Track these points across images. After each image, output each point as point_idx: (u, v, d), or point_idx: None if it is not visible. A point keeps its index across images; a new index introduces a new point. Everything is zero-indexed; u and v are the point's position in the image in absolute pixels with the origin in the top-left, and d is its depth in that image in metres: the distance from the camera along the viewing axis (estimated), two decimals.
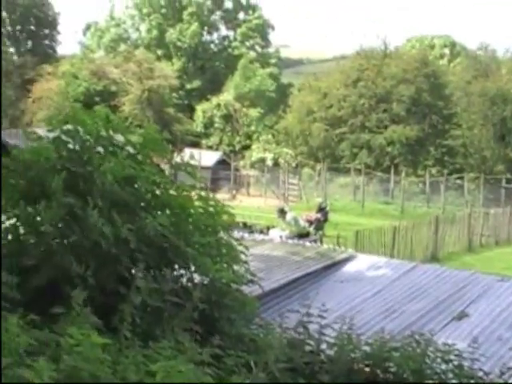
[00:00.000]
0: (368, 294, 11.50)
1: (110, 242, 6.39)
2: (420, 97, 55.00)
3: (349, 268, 13.16)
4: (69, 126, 7.41)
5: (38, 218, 6.80)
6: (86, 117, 7.45)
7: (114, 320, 5.76)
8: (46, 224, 6.65)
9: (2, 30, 70.09)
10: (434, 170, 51.50)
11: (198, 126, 62.10)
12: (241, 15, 75.39)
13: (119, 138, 7.51)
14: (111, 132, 7.42)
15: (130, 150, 7.43)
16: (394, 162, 52.73)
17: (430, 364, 7.24)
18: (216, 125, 61.70)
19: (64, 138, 7.32)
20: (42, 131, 7.90)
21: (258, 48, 73.54)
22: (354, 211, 44.62)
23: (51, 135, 7.47)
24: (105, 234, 6.35)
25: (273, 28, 75.64)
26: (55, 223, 6.62)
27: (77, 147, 7.24)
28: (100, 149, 7.35)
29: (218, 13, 75.56)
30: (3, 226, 7.11)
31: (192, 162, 7.79)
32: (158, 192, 7.23)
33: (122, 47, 71.66)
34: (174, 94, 63.73)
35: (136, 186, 7.10)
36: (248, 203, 44.25)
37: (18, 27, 71.80)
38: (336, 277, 12.59)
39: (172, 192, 7.23)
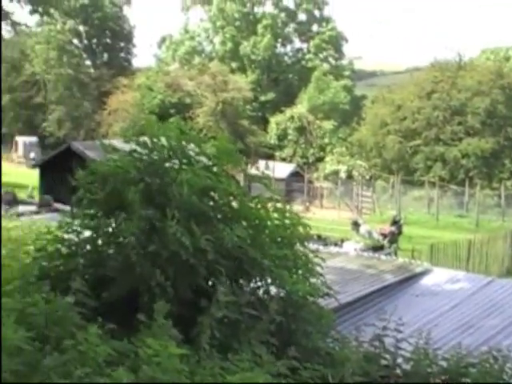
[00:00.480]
0: (445, 308, 11.36)
1: (189, 252, 6.42)
2: (495, 109, 53.99)
3: (425, 282, 13.03)
4: (145, 138, 7.50)
5: (116, 230, 6.90)
6: (162, 129, 7.53)
7: (193, 331, 5.78)
8: (124, 235, 6.74)
9: (79, 43, 71.59)
10: (509, 183, 50.45)
11: (271, 138, 62.18)
12: (314, 27, 75.34)
13: (193, 149, 7.56)
14: (186, 144, 7.48)
15: (205, 161, 7.47)
16: (468, 174, 51.84)
17: (508, 380, 7.08)
18: (290, 137, 61.66)
19: (140, 149, 7.42)
20: (117, 143, 8.02)
21: (331, 60, 73.35)
22: (428, 224, 43.99)
23: (127, 147, 7.59)
24: (184, 244, 6.39)
25: (346, 40, 75.38)
26: (134, 234, 6.70)
27: (154, 158, 7.32)
28: (176, 161, 7.41)
29: (292, 25, 75.66)
30: (82, 237, 7.25)
31: (267, 174, 7.80)
32: (234, 204, 7.23)
33: (197, 60, 72.35)
34: (248, 106, 63.95)
35: (213, 197, 7.13)
36: (321, 215, 44.05)
37: (95, 40, 73.19)
38: (412, 290, 12.49)
39: (249, 204, 7.24)
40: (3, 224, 10.92)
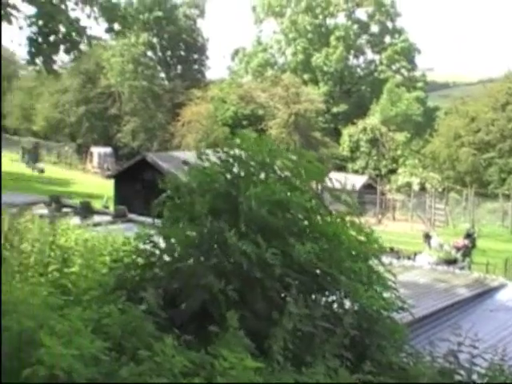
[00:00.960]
0: None
1: (253, 265, 6.42)
2: None
3: (500, 296, 12.81)
4: (236, 152, 7.55)
5: (189, 241, 6.96)
6: (245, 142, 7.57)
7: (266, 344, 5.78)
8: (194, 246, 6.80)
9: (154, 56, 72.59)
10: None
11: (344, 149, 61.98)
12: (387, 39, 74.90)
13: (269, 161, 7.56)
14: (271, 157, 7.50)
15: (286, 174, 7.47)
16: None
17: None
18: (362, 149, 61.35)
19: (225, 162, 7.48)
20: (191, 154, 8.11)
21: (403, 71, 72.74)
22: (502, 237, 43.21)
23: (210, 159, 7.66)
24: (247, 256, 6.40)
25: (418, 51, 74.71)
26: (201, 246, 6.76)
27: (236, 172, 7.37)
28: (262, 174, 7.43)
29: (364, 37, 75.39)
30: (159, 247, 7.33)
31: (338, 186, 7.75)
32: (311, 218, 7.21)
33: (269, 72, 72.66)
34: (321, 118, 63.89)
35: (288, 211, 7.12)
36: (394, 228, 43.69)
37: (169, 53, 74.13)
38: (486, 305, 12.29)
39: (327, 218, 7.22)
40: (80, 233, 11.12)
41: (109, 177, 38.35)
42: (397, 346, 7.32)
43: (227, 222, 6.72)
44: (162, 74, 74.60)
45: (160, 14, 69.22)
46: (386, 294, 7.36)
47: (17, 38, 9.74)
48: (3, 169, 49.46)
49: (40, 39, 9.39)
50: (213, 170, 7.43)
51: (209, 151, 7.90)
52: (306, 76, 70.64)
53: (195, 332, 5.89)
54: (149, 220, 9.41)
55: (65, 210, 18.61)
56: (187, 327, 6.04)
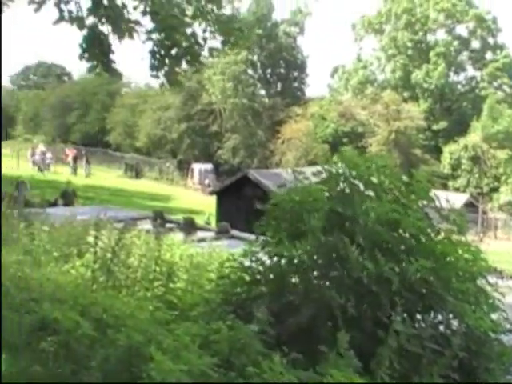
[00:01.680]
0: None
1: (372, 279, 6.37)
2: None
3: None
4: (339, 169, 7.53)
5: (298, 258, 6.95)
6: (352, 160, 7.54)
7: (372, 362, 5.71)
8: (305, 262, 6.79)
9: (254, 73, 73.14)
10: None
11: (444, 167, 60.93)
12: (488, 55, 73.36)
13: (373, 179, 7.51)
14: (378, 176, 7.45)
15: (395, 193, 7.41)
16: None
17: None
18: (463, 166, 60.16)
19: (330, 179, 7.47)
20: (290, 172, 8.11)
21: (505, 88, 71.08)
22: None
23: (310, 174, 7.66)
24: (368, 270, 6.35)
25: None
26: (315, 261, 6.74)
27: (343, 189, 7.35)
28: (367, 192, 7.39)
29: (465, 53, 74.08)
30: (266, 264, 7.35)
31: (453, 207, 7.61)
32: (422, 238, 7.11)
33: (369, 89, 72.27)
34: (421, 135, 63.08)
35: (398, 229, 7.05)
36: (495, 247, 42.61)
37: (269, 70, 74.61)
38: None
39: (433, 237, 7.11)
40: (185, 249, 11.28)
41: (211, 193, 38.77)
42: (504, 369, 7.12)
43: (342, 237, 6.70)
44: (262, 92, 75.07)
45: (260, 31, 69.80)
46: (493, 315, 7.18)
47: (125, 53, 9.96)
48: (109, 184, 50.91)
49: (162, 52, 9.58)
50: (316, 188, 7.43)
51: (309, 169, 7.92)
52: (405, 93, 69.92)
53: (301, 349, 5.87)
54: (251, 236, 9.45)
55: (168, 225, 18.91)
56: (293, 344, 6.02)
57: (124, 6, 9.12)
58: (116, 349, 5.88)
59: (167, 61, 9.59)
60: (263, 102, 72.02)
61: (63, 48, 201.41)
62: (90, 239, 9.90)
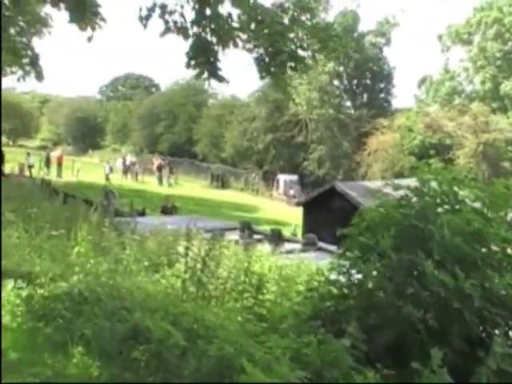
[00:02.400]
0: None
1: (451, 294, 6.24)
2: None
3: None
4: (415, 183, 7.45)
5: (380, 274, 6.89)
6: (432, 173, 7.45)
7: (468, 382, 5.60)
8: (386, 278, 6.72)
9: (340, 84, 72.88)
10: None
11: None
12: None
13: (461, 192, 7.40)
14: (458, 189, 7.33)
15: (477, 205, 7.27)
16: None
17: None
18: None
19: (410, 195, 7.39)
20: (378, 184, 8.06)
21: None
22: None
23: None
24: (445, 285, 6.23)
25: None
26: (391, 279, 6.67)
27: (423, 204, 7.25)
28: (447, 206, 7.28)
29: None
30: (353, 279, 7.30)
31: None
32: (506, 250, 6.95)
33: (457, 100, 71.12)
34: (510, 148, 61.63)
35: (484, 242, 6.90)
36: None
37: (355, 81, 74.13)
38: None
39: None
40: (273, 260, 11.30)
41: (297, 204, 38.72)
42: None
43: (416, 254, 6.61)
44: (348, 103, 74.67)
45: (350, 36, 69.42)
46: None
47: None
48: (195, 194, 51.47)
49: (267, 59, 9.66)
50: (395, 203, 7.37)
51: (395, 181, 7.85)
52: (494, 104, 68.47)
53: (391, 366, 5.80)
54: (338, 249, 9.39)
55: (256, 236, 18.97)
56: (383, 361, 5.95)
57: (229, 15, 9.24)
58: (207, 359, 5.94)
59: (272, 68, 9.68)
60: (349, 114, 71.65)
61: (151, 59, 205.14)
62: (180, 249, 10.04)
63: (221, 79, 9.71)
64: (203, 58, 9.39)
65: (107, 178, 54.02)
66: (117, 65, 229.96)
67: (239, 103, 76.21)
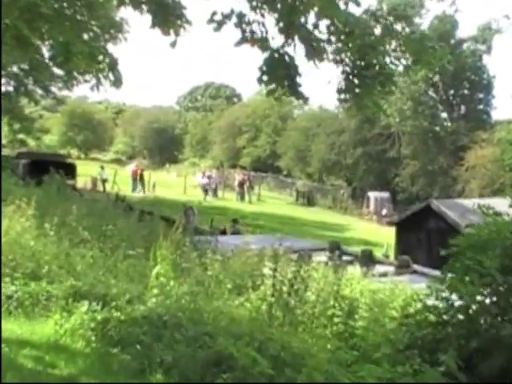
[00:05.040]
0: None
1: None
2: None
3: None
4: None
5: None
6: None
7: None
8: (491, 303, 6.64)
9: (435, 95, 72.00)
10: None
11: None
12: None
13: None
14: None
15: None
16: None
17: None
18: None
19: None
20: (475, 201, 7.95)
21: None
22: None
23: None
24: None
25: None
26: (497, 304, 6.59)
27: None
28: None
29: None
30: (453, 304, 7.22)
31: None
32: None
33: None
34: None
35: None
36: None
37: (451, 91, 73.14)
38: None
39: None
40: (365, 284, 11.24)
41: (389, 224, 38.38)
42: None
43: None
44: (444, 115, 73.74)
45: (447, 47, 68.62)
46: None
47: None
48: (279, 212, 51.59)
49: (354, 72, 9.63)
50: (499, 223, 7.27)
51: (497, 201, 7.76)
52: None
53: None
54: (435, 272, 9.29)
55: (345, 257, 18.90)
56: None
57: (316, 25, 9.20)
58: None
59: (357, 82, 9.62)
60: (445, 126, 70.70)
61: (232, 68, 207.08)
62: (266, 271, 10.08)
63: (301, 96, 9.68)
64: (281, 72, 9.36)
65: (206, 193, 55.18)
66: (196, 73, 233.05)
67: (327, 115, 76.05)
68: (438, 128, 68.86)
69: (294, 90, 9.46)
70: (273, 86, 9.55)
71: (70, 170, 34.76)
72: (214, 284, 10.90)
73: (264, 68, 9.30)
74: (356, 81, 9.64)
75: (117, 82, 16.61)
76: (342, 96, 9.87)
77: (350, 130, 70.62)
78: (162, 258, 11.30)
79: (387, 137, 69.80)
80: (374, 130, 69.82)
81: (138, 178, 56.10)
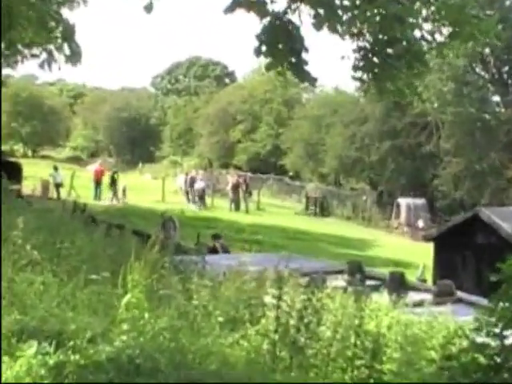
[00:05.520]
0: None
1: None
2: None
3: None
4: None
5: None
6: None
7: None
8: None
9: (485, 72, 71.95)
10: None
11: None
12: None
13: None
14: None
15: None
16: None
17: None
18: None
19: None
20: None
21: None
22: None
23: None
24: None
25: None
26: None
27: None
28: None
29: None
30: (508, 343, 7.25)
31: None
32: None
33: None
34: None
35: None
36: None
37: (505, 68, 72.90)
38: None
39: None
40: (394, 316, 11.28)
41: (425, 238, 38.42)
42: None
43: None
44: (496, 98, 73.56)
45: (496, 15, 68.60)
46: None
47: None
48: (285, 223, 51.63)
49: (375, 49, 9.63)
50: None
51: None
52: None
53: None
54: (484, 301, 9.33)
55: (369, 282, 18.93)
56: None
57: None
58: None
59: (377, 61, 9.63)
60: (497, 113, 70.54)
61: (223, 41, 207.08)
62: (268, 299, 10.10)
63: (307, 77, 9.68)
64: (283, 45, 9.36)
65: (190, 200, 55.20)
66: (177, 47, 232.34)
67: (345, 99, 75.99)
68: (487, 115, 68.66)
69: (299, 69, 9.46)
70: (272, 60, 9.56)
71: (13, 172, 34.76)
72: (202, 316, 10.91)
73: (263, 37, 9.30)
74: (376, 59, 9.64)
75: (74, 57, 16.48)
76: (359, 74, 9.89)
77: (374, 119, 70.42)
78: (133, 283, 11.29)
79: (422, 127, 69.64)
80: (406, 118, 69.59)
81: (101, 182, 56.08)
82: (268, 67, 9.89)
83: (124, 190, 56.74)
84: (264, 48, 9.41)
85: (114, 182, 55.89)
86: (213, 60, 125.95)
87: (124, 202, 53.44)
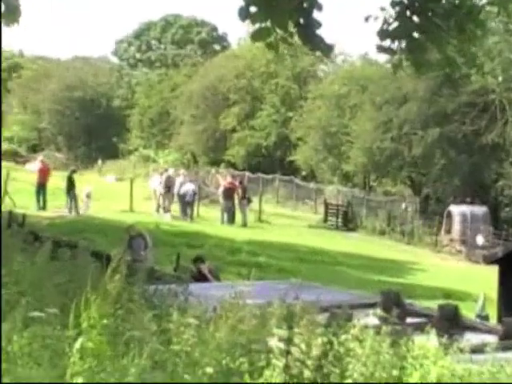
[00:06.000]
0: None
1: None
2: None
3: None
4: None
5: None
6: None
7: None
8: None
9: None
10: None
11: None
12: None
13: None
14: None
15: None
16: None
17: None
18: None
19: None
20: None
21: None
22: None
23: None
24: None
25: None
26: None
27: None
28: None
29: None
30: None
31: None
32: None
33: None
34: None
35: None
36: None
37: None
38: None
39: None
40: (446, 365, 11.30)
41: (486, 260, 38.53)
42: None
43: None
44: None
45: None
46: None
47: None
48: (295, 240, 51.75)
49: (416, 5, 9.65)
50: None
51: None
52: None
53: None
54: None
55: (411, 320, 18.98)
56: None
57: None
58: None
59: (418, 21, 9.66)
60: None
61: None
62: (274, 343, 10.12)
63: (317, 44, 9.65)
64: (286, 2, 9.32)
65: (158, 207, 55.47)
66: (148, 2, 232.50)
67: (376, 72, 76.00)
68: None
69: (309, 33, 9.41)
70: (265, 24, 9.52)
71: None
72: (184, 367, 10.93)
73: None
74: (416, 19, 9.65)
75: (10, 16, 16.45)
76: (388, 43, 9.89)
77: (417, 99, 70.17)
78: (90, 323, 11.28)
79: (482, 109, 69.41)
80: (460, 97, 69.36)
81: (46, 185, 56.12)
82: (255, 37, 9.82)
83: (88, 197, 56.39)
84: (252, 8, 9.38)
85: (72, 186, 55.43)
86: (197, 19, 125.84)
87: (79, 213, 53.39)
